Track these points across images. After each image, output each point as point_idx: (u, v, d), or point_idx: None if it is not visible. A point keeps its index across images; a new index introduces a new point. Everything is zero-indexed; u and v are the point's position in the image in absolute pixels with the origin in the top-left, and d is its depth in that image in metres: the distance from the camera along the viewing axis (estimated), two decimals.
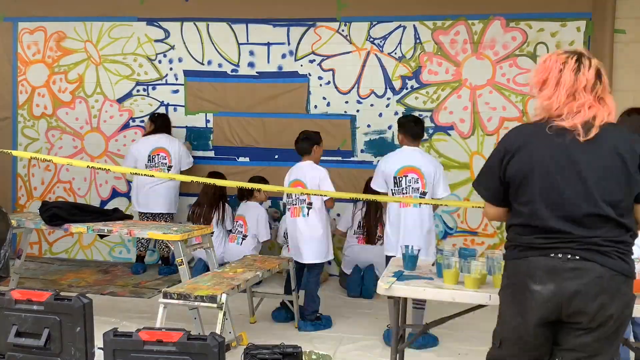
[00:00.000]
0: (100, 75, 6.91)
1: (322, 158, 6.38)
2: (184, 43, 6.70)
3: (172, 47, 6.73)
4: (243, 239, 6.00)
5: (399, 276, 3.34)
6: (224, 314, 3.80)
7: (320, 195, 4.82)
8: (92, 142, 6.95)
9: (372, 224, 5.79)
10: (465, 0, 6.10)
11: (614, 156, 2.34)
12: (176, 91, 6.71)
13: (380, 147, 6.30)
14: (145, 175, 5.82)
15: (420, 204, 4.56)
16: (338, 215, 6.14)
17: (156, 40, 6.77)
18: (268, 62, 6.51)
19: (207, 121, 6.67)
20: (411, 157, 4.61)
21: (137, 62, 6.81)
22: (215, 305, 3.74)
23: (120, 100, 6.88)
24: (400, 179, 4.57)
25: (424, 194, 4.56)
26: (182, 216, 6.53)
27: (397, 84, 6.26)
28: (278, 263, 4.85)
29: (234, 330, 4.37)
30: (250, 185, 5.56)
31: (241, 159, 6.61)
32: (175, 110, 6.72)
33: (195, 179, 5.35)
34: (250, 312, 4.97)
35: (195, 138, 6.70)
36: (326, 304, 5.46)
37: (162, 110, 6.72)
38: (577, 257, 2.33)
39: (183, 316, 5.01)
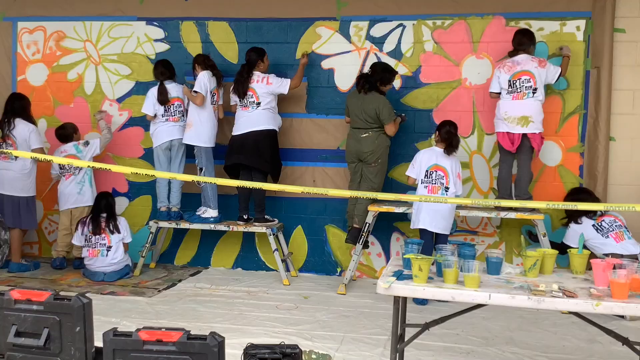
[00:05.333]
0: (99, 74, 6.90)
1: (321, 157, 6.44)
2: (184, 42, 6.70)
3: (172, 47, 6.72)
4: None
5: (399, 275, 3.34)
6: None
7: (325, 195, 4.82)
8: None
9: None
10: (465, 0, 6.11)
11: None
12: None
13: None
14: (145, 174, 5.80)
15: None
16: None
17: (156, 40, 6.76)
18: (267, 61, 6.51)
19: None
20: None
21: (137, 62, 6.81)
22: None
23: (120, 100, 6.88)
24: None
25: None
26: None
27: (396, 83, 6.24)
28: None
29: None
30: (249, 184, 5.55)
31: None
32: None
33: (195, 178, 5.37)
34: None
35: None
36: (326, 302, 5.48)
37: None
38: None
39: (183, 316, 5.03)
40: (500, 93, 5.64)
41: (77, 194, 6.53)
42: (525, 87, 5.51)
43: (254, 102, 6.07)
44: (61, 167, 6.58)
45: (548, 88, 5.92)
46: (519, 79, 5.52)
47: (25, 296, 2.52)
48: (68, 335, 2.48)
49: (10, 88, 7.06)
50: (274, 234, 6.13)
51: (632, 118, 5.85)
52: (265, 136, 6.07)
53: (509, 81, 5.54)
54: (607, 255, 5.04)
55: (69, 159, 6.24)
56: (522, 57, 5.57)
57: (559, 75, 5.60)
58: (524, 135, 5.51)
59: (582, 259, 3.54)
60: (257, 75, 6.09)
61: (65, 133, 6.63)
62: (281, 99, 6.37)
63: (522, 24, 5.96)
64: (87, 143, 6.58)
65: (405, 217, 6.24)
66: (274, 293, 5.76)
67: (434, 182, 5.40)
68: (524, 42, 5.63)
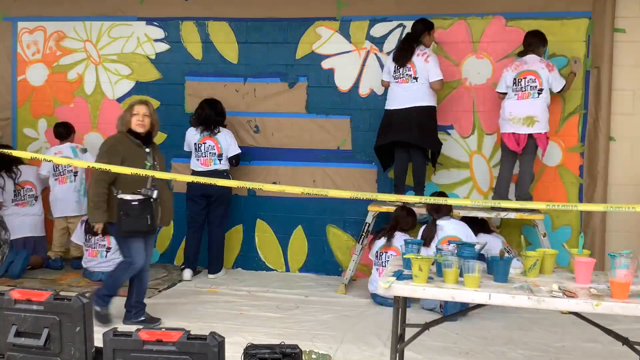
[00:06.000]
0: (99, 74, 6.90)
1: (321, 157, 6.44)
2: (184, 42, 6.70)
3: (172, 47, 6.72)
4: None
5: (399, 275, 3.34)
6: None
7: (324, 195, 4.81)
8: (91, 141, 6.94)
9: None
10: (465, 0, 6.11)
11: None
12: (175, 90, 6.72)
13: None
14: (145, 175, 5.78)
15: None
16: None
17: (156, 40, 6.76)
18: (268, 61, 6.51)
19: None
20: None
21: (137, 62, 6.81)
22: None
23: (120, 100, 6.87)
24: None
25: None
26: None
27: None
28: None
29: None
30: (253, 186, 5.54)
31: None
32: (174, 109, 6.72)
33: (196, 179, 5.32)
34: None
35: None
36: (326, 302, 5.48)
37: (162, 109, 6.73)
38: None
39: (183, 316, 5.03)
40: (507, 93, 5.64)
41: (75, 202, 6.48)
42: (530, 87, 5.49)
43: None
44: (55, 168, 6.49)
45: None
46: (524, 78, 5.50)
47: (25, 296, 2.53)
48: (68, 335, 2.48)
49: (10, 88, 7.07)
50: None
51: (632, 118, 5.84)
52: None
53: (514, 79, 5.53)
54: None
55: (69, 159, 6.23)
56: (530, 57, 5.55)
57: (562, 89, 5.58)
58: (530, 135, 5.49)
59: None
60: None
61: (66, 131, 6.60)
62: (282, 99, 6.40)
63: (522, 24, 5.96)
64: (85, 150, 6.52)
65: None
66: (274, 293, 5.76)
67: (383, 264, 5.31)
68: (533, 42, 5.58)
